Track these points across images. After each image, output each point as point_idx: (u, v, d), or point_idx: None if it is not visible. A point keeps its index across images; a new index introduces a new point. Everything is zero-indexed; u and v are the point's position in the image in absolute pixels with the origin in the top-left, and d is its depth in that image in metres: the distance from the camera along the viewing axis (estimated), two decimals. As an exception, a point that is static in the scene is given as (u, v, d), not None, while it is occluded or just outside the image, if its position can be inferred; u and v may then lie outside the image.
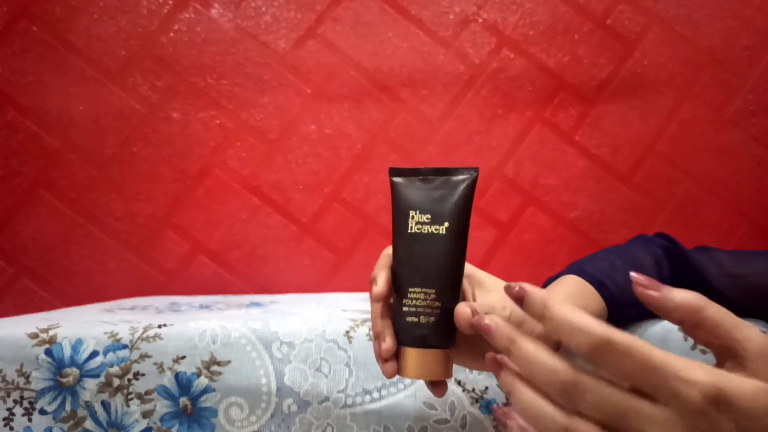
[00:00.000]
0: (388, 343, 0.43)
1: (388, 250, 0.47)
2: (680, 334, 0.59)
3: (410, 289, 0.44)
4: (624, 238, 1.14)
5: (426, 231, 0.44)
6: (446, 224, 0.44)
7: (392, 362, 0.44)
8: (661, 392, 0.30)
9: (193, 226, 1.14)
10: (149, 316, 0.73)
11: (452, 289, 0.44)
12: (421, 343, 0.43)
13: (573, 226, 1.15)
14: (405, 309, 0.44)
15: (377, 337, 0.45)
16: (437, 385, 0.46)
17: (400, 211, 0.46)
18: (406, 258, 0.45)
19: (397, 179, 0.47)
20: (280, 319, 0.63)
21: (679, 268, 0.63)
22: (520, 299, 0.35)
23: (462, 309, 0.42)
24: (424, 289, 0.43)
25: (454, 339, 0.44)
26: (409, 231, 0.45)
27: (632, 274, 0.35)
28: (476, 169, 0.46)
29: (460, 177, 0.45)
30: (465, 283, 0.48)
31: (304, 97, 1.16)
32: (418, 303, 0.43)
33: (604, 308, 0.57)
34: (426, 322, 0.43)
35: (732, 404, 0.30)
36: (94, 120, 1.14)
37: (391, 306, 0.46)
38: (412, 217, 0.45)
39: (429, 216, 0.45)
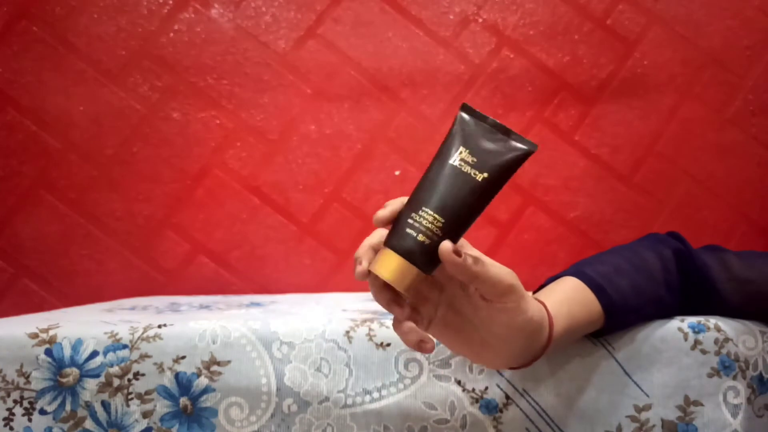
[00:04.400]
0: (362, 267, 0.46)
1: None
2: (680, 334, 0.60)
3: (424, 208, 0.46)
4: (624, 238, 1.14)
5: (465, 170, 0.46)
6: (485, 174, 0.46)
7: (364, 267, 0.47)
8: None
9: (193, 226, 1.14)
10: (149, 316, 0.73)
11: (458, 230, 0.46)
12: (407, 255, 0.45)
13: (573, 226, 1.15)
14: (410, 221, 0.45)
15: (356, 260, 0.47)
16: (396, 301, 0.48)
17: (452, 142, 0.48)
18: (435, 181, 0.46)
19: (465, 115, 0.49)
20: (280, 319, 0.63)
21: (687, 271, 0.63)
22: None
23: (446, 244, 0.45)
24: (435, 215, 0.45)
25: (433, 270, 0.47)
26: (451, 162, 0.47)
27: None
28: (536, 146, 0.48)
29: (519, 144, 0.47)
30: None
31: (304, 97, 1.16)
32: (424, 222, 0.45)
33: (600, 313, 0.56)
34: (422, 241, 0.45)
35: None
36: (94, 120, 1.14)
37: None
38: (460, 153, 0.47)
39: (475, 159, 0.47)
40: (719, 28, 1.17)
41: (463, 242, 0.48)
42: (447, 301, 0.50)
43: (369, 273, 0.46)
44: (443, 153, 0.47)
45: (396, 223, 0.46)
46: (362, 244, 0.48)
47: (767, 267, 0.62)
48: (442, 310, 0.50)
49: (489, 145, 0.47)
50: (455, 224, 0.46)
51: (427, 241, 0.45)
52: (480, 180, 0.46)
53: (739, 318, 0.62)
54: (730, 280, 0.62)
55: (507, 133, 0.48)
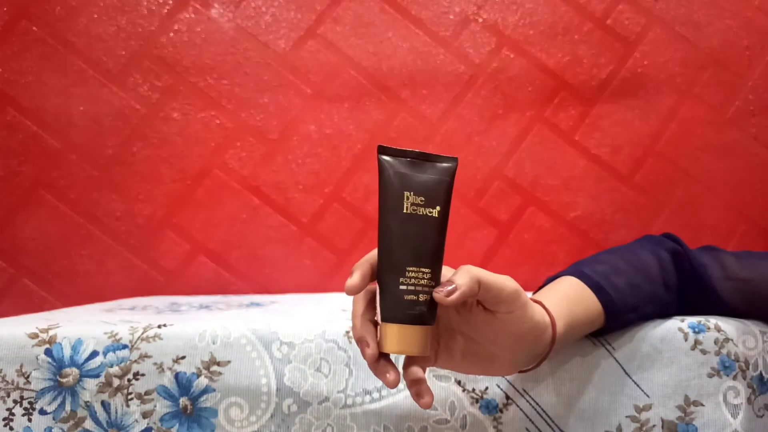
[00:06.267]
0: (372, 349, 0.45)
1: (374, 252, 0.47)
2: (680, 334, 0.60)
3: (408, 268, 0.45)
4: (624, 238, 1.14)
5: (421, 213, 0.46)
6: (438, 208, 0.46)
7: (387, 368, 0.46)
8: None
9: (193, 226, 1.14)
10: (149, 316, 0.73)
11: (440, 270, 0.47)
12: (418, 320, 0.45)
13: (573, 226, 1.15)
14: (403, 287, 0.45)
15: (360, 341, 0.46)
16: (419, 361, 0.48)
17: (394, 191, 0.46)
18: (403, 237, 0.45)
19: (387, 158, 0.47)
20: (280, 319, 0.63)
21: (684, 272, 0.63)
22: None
23: (438, 293, 0.45)
24: (421, 269, 0.45)
25: (436, 317, 0.47)
26: (405, 211, 0.46)
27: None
28: (456, 159, 0.48)
29: (447, 165, 0.48)
30: None
31: (304, 97, 1.16)
32: (416, 282, 0.45)
33: (600, 311, 0.56)
34: (424, 300, 0.45)
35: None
36: (94, 120, 1.14)
37: (373, 304, 0.47)
38: (407, 198, 0.46)
39: (423, 198, 0.46)
40: (719, 28, 1.17)
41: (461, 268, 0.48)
42: (446, 330, 0.50)
43: (379, 356, 0.45)
44: (392, 204, 0.46)
45: (386, 294, 0.45)
46: (364, 258, 0.47)
47: (764, 266, 0.62)
48: (444, 340, 0.50)
49: (424, 176, 0.47)
50: (437, 266, 0.46)
51: (428, 297, 0.45)
52: (437, 216, 0.46)
53: (737, 317, 0.62)
54: (727, 279, 0.62)
55: (427, 157, 0.47)
